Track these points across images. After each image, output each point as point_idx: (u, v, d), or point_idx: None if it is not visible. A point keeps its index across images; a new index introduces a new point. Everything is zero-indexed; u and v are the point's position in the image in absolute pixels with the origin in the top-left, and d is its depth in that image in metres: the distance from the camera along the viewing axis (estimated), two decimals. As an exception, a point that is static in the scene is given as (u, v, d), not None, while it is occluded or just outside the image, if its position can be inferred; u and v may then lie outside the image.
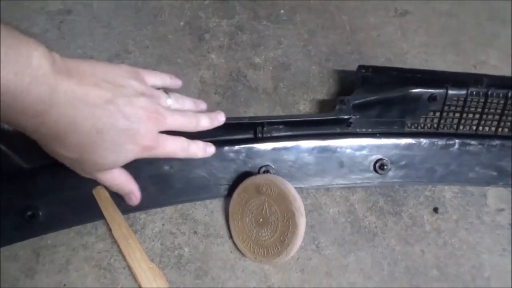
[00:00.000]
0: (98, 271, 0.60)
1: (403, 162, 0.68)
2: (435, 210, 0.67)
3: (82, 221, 0.62)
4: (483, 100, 0.69)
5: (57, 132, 0.43)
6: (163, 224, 0.64)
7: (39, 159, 0.63)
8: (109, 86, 0.46)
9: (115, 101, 0.46)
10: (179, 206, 0.65)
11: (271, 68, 0.79)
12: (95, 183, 0.62)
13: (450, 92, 0.68)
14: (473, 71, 0.82)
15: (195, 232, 0.63)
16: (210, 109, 0.73)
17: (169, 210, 0.65)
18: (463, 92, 0.68)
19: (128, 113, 0.47)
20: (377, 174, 0.68)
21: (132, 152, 0.50)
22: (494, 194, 0.69)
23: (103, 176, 0.55)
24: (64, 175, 0.62)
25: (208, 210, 0.65)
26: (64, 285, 0.59)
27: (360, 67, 0.72)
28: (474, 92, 0.68)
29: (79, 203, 0.61)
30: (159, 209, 0.64)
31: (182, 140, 0.56)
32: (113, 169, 0.54)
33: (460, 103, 0.69)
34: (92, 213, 0.61)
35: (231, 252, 0.63)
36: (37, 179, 0.61)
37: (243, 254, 0.61)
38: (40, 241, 0.61)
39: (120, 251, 0.60)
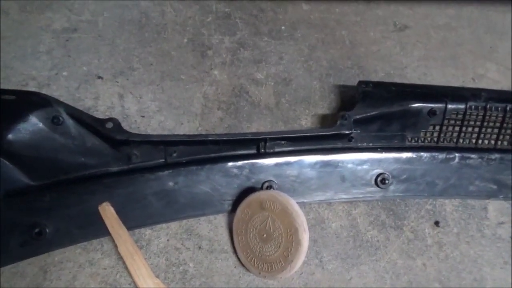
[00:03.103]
0: (104, 287, 0.61)
1: (404, 176, 0.69)
2: (436, 223, 0.68)
3: (88, 237, 0.63)
4: (482, 114, 0.70)
5: None
6: (168, 240, 0.65)
7: (45, 176, 0.65)
8: None
9: None
10: (184, 221, 0.66)
11: (272, 83, 0.80)
12: (100, 200, 0.63)
13: (450, 106, 0.69)
14: (472, 84, 0.84)
15: (200, 248, 0.64)
16: (214, 125, 0.75)
17: (174, 225, 0.66)
18: (462, 106, 0.70)
19: None
20: (378, 188, 0.68)
21: None
22: (495, 207, 0.70)
23: None
24: (71, 192, 0.63)
25: (213, 226, 0.66)
26: (71, 301, 0.60)
27: (361, 82, 0.73)
28: (473, 106, 0.69)
29: (85, 220, 0.62)
30: (164, 225, 0.65)
31: None
32: None
33: (460, 117, 0.70)
34: (98, 229, 0.62)
35: (235, 267, 0.63)
36: (44, 197, 0.62)
37: (247, 269, 0.62)
38: (47, 257, 0.62)
39: (126, 267, 0.61)
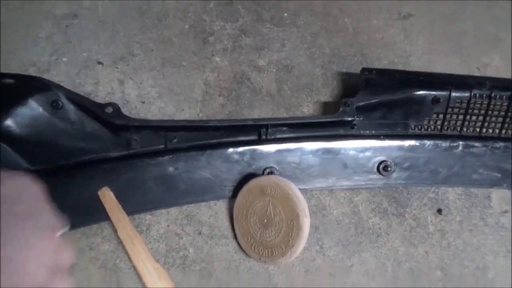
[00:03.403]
0: (103, 271, 0.60)
1: (407, 164, 0.68)
2: (439, 211, 0.68)
3: (88, 222, 0.62)
4: (486, 102, 0.69)
5: None
6: (168, 225, 0.64)
7: (44, 161, 0.64)
8: None
9: None
10: (184, 207, 0.65)
11: (274, 70, 0.80)
12: (100, 185, 0.62)
13: (454, 94, 0.68)
14: (476, 73, 0.83)
15: (200, 233, 0.64)
16: (215, 111, 0.74)
17: (174, 211, 0.65)
18: (467, 94, 0.69)
19: None
20: (381, 176, 0.68)
21: None
22: (498, 196, 0.69)
23: None
24: (70, 178, 0.63)
25: (213, 211, 0.66)
26: (70, 285, 0.59)
27: (364, 69, 0.72)
28: (478, 95, 0.68)
29: (85, 205, 0.62)
30: (164, 210, 0.65)
31: None
32: None
33: (464, 105, 0.69)
34: (98, 214, 0.61)
35: (235, 252, 0.63)
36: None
37: (247, 255, 0.62)
38: (46, 242, 0.61)
39: (126, 252, 0.60)
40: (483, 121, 0.70)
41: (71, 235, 0.62)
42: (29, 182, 0.41)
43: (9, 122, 0.61)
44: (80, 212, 0.62)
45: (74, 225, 0.62)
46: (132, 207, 0.63)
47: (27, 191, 0.40)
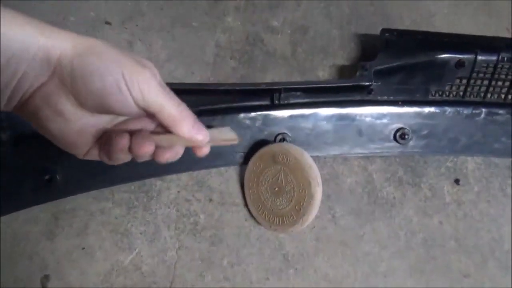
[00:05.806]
0: (115, 235, 0.61)
1: (425, 132, 0.66)
2: (456, 181, 0.65)
3: (99, 185, 0.62)
4: (515, 66, 0.65)
5: None
6: (178, 191, 0.64)
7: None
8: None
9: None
10: (195, 173, 0.65)
11: (289, 31, 0.76)
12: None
13: (480, 57, 0.64)
14: (506, 34, 0.77)
15: (210, 200, 0.63)
16: (226, 75, 0.72)
17: (184, 177, 0.64)
18: (494, 57, 0.64)
19: None
20: (397, 144, 0.65)
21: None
22: (520, 166, 0.66)
23: None
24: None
25: (224, 178, 0.65)
26: (83, 248, 0.60)
27: (384, 30, 0.68)
28: (506, 58, 0.64)
29: (96, 168, 0.61)
30: (174, 176, 0.64)
31: None
32: None
33: (490, 69, 0.65)
34: (109, 178, 0.61)
35: (246, 220, 0.63)
36: (53, 144, 0.61)
37: (258, 222, 0.61)
38: (59, 205, 0.62)
39: None
40: (510, 87, 0.66)
41: (83, 199, 0.62)
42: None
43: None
44: (92, 175, 0.62)
45: (85, 188, 0.62)
46: (142, 172, 0.62)
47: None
